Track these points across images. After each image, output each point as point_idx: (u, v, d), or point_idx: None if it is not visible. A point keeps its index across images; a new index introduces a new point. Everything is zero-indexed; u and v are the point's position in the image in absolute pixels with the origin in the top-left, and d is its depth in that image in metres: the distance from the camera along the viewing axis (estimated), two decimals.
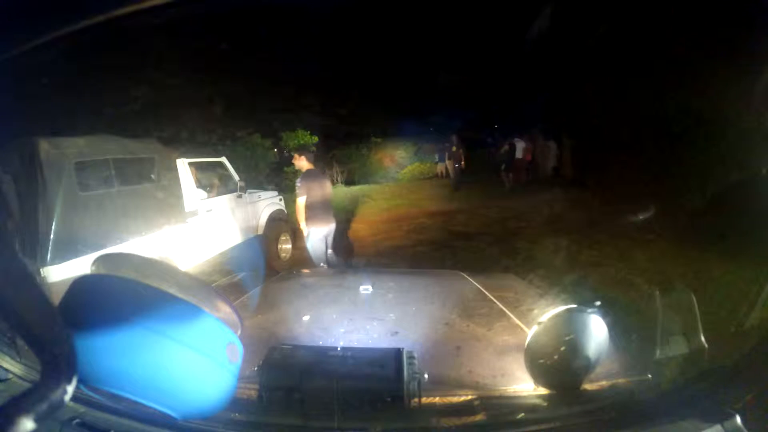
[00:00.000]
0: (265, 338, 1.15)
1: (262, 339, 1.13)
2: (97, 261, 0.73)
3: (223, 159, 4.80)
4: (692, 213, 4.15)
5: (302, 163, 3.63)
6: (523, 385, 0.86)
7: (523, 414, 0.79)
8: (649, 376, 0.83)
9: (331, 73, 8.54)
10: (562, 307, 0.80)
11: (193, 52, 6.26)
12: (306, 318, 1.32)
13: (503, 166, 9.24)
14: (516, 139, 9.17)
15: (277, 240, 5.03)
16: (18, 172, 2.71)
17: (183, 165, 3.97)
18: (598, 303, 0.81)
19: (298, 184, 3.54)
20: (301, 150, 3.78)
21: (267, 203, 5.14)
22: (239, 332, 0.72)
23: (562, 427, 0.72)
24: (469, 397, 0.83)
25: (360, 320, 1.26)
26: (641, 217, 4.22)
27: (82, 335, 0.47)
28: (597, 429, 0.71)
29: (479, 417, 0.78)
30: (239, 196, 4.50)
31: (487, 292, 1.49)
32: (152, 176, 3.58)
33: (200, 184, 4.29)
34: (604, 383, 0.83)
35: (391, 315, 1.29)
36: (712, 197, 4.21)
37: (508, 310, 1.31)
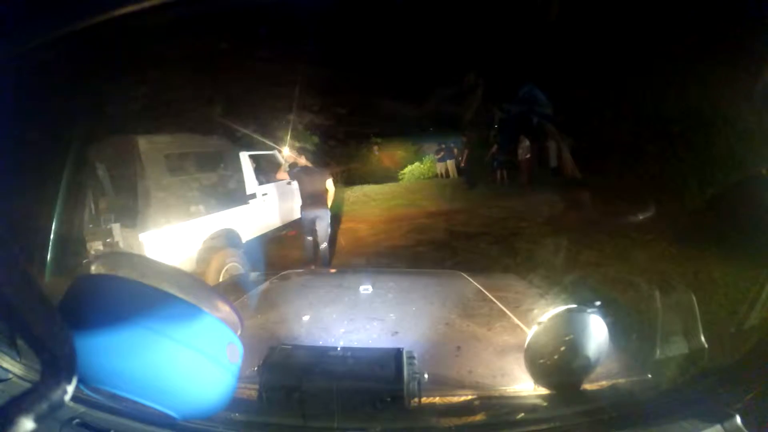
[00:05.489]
0: (265, 338, 1.15)
1: (262, 339, 1.13)
2: (97, 261, 0.73)
3: (275, 152, 5.71)
4: (692, 213, 4.15)
5: (302, 160, 4.73)
6: (523, 385, 0.86)
7: (523, 414, 0.79)
8: (649, 376, 0.83)
9: (330, 72, 8.51)
10: (562, 307, 0.80)
11: (192, 52, 6.24)
12: (306, 318, 1.32)
13: (495, 164, 9.83)
14: (521, 139, 9.16)
15: None
16: (112, 161, 3.48)
17: (244, 157, 4.77)
18: (598, 303, 0.80)
19: (293, 172, 4.63)
20: (302, 150, 4.89)
21: None
22: (239, 332, 0.72)
23: (562, 427, 0.72)
24: (469, 397, 0.82)
25: (360, 320, 1.26)
26: (641, 217, 4.22)
27: (82, 335, 0.47)
28: (597, 429, 0.71)
29: (479, 417, 0.78)
30: (288, 183, 5.31)
31: (487, 292, 1.48)
32: (221, 166, 4.43)
33: (258, 173, 5.06)
34: (604, 383, 0.83)
35: (391, 315, 1.29)
36: (711, 197, 4.21)
37: (508, 310, 1.30)
